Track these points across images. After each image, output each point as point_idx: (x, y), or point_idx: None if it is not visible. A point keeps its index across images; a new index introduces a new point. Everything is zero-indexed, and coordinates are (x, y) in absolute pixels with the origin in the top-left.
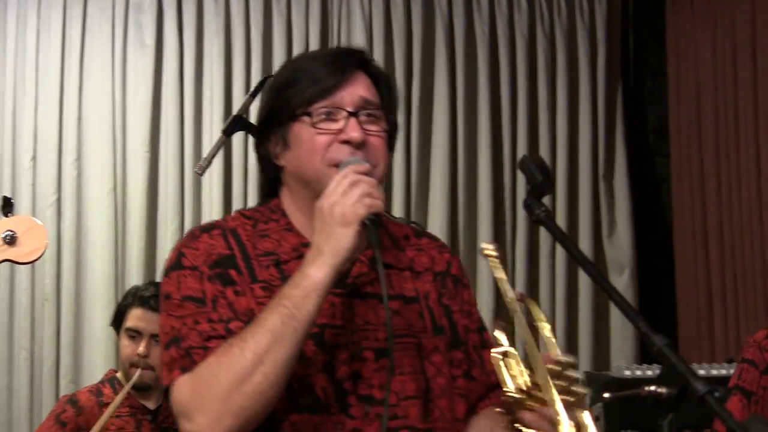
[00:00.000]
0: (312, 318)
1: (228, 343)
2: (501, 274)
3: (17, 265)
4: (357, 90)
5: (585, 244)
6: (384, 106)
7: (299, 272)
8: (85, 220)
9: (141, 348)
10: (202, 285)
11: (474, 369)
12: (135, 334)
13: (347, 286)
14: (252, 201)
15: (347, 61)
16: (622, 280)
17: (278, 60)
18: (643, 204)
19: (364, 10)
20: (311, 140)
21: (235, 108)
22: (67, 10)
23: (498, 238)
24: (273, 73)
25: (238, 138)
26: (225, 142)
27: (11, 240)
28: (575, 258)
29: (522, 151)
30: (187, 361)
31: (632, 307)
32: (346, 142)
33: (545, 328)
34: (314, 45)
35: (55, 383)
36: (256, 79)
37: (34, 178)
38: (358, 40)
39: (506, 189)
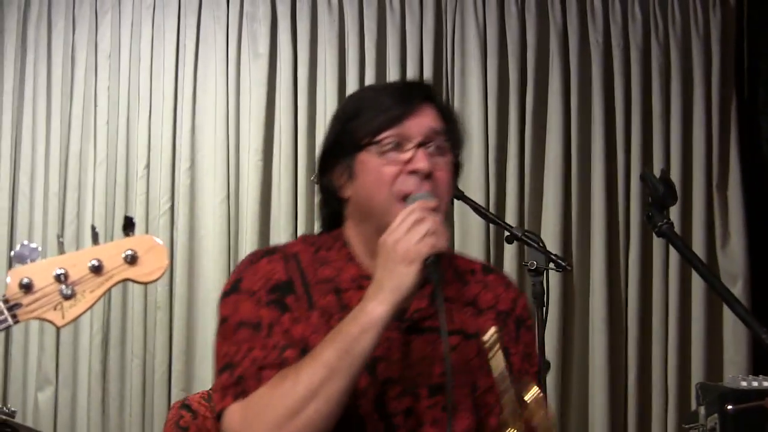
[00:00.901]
0: (368, 354)
1: (282, 375)
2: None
3: None
4: (425, 120)
5: (698, 255)
6: (450, 139)
7: (358, 307)
8: (198, 229)
9: None
10: (258, 310)
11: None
12: None
13: (404, 320)
14: None
15: (415, 93)
16: (735, 291)
17: (393, 69)
18: (756, 214)
19: (478, 19)
20: (378, 170)
21: None
22: (181, 19)
23: (611, 248)
24: (338, 107)
25: None
26: None
27: (132, 259)
28: (698, 270)
29: (636, 161)
30: (240, 389)
31: (755, 319)
32: (414, 172)
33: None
34: (428, 54)
35: (167, 391)
36: None
37: (147, 186)
38: (472, 50)
39: (620, 199)
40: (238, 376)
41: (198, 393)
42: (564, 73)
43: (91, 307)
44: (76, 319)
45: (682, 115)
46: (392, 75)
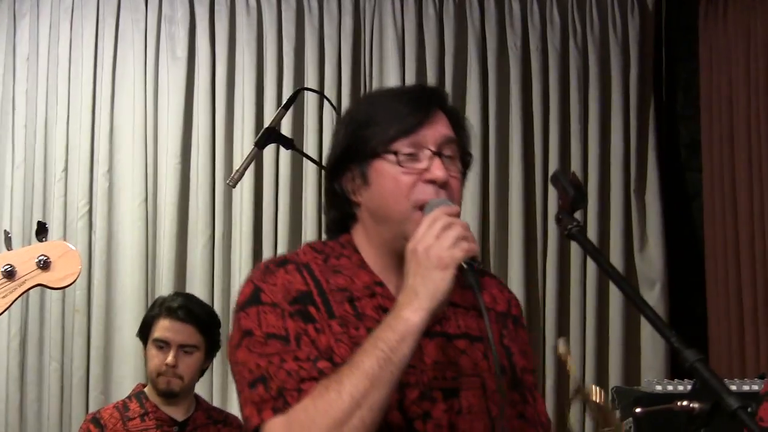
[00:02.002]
0: (407, 361)
1: (323, 386)
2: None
3: None
4: (439, 129)
5: (616, 259)
6: (460, 146)
7: (394, 315)
8: (116, 232)
9: (170, 358)
10: (284, 322)
11: (527, 410)
12: (163, 345)
13: None
14: (282, 213)
15: (428, 100)
16: (653, 295)
17: (311, 72)
18: (674, 219)
19: (396, 23)
20: (395, 178)
21: (267, 120)
22: (99, 22)
23: (529, 252)
24: (349, 108)
25: (269, 150)
26: (257, 155)
27: (45, 265)
28: (608, 273)
29: (553, 164)
30: (280, 403)
31: (665, 323)
32: (431, 181)
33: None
34: (346, 58)
35: (85, 394)
36: (288, 91)
37: (65, 189)
38: (390, 54)
39: (537, 202)
40: (277, 389)
41: (113, 403)
42: (482, 77)
43: (3, 312)
44: None
45: (600, 118)
46: (310, 78)
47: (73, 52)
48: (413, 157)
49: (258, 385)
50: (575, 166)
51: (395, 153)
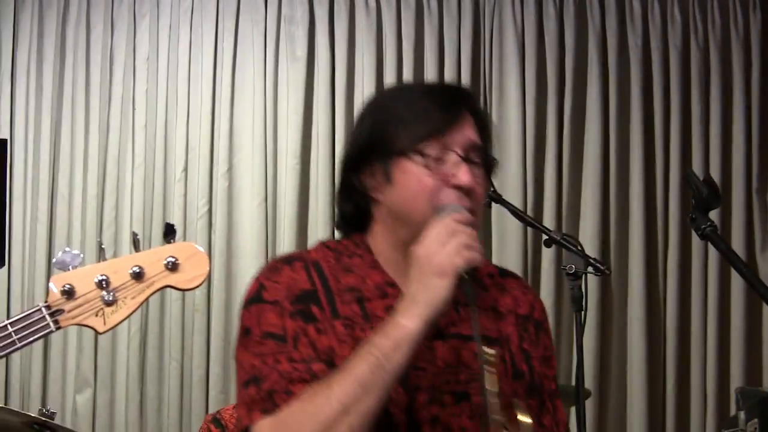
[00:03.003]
0: (401, 369)
1: (314, 390)
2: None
3: None
4: (467, 132)
5: None
6: (485, 152)
7: (391, 321)
8: (235, 232)
9: None
10: (283, 321)
11: (545, 417)
12: None
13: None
14: None
15: (457, 101)
16: None
17: (430, 72)
18: None
19: (516, 22)
20: (421, 181)
21: None
22: (219, 22)
23: (649, 252)
24: (374, 101)
25: None
26: None
27: (173, 266)
28: (741, 273)
29: (675, 164)
30: (269, 404)
31: None
32: (456, 187)
33: None
34: (466, 56)
35: (204, 394)
36: None
37: (185, 190)
38: (510, 53)
39: (658, 202)
40: (267, 391)
41: (231, 405)
42: (602, 75)
43: (132, 313)
44: (117, 326)
45: (722, 117)
46: (430, 77)
47: (192, 53)
48: (440, 159)
49: (250, 385)
50: (696, 165)
51: (422, 154)
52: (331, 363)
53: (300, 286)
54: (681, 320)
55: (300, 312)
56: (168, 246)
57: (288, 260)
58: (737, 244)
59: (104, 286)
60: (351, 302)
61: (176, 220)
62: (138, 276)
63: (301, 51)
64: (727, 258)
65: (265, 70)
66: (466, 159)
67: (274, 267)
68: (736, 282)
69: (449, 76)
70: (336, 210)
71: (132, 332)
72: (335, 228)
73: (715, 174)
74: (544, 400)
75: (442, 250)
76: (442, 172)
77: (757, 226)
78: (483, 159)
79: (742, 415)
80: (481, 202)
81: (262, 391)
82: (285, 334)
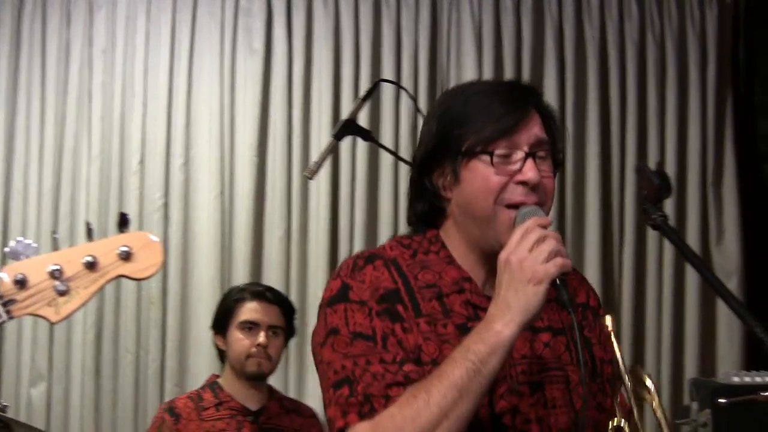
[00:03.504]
0: (496, 374)
1: (411, 394)
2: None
3: None
4: (533, 130)
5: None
6: (553, 146)
7: (486, 326)
8: (191, 224)
9: (262, 338)
10: (371, 321)
11: (606, 400)
12: (252, 326)
13: None
14: (359, 205)
15: (524, 100)
16: (729, 287)
17: (387, 65)
18: (751, 211)
19: (474, 15)
20: (487, 179)
21: (343, 113)
22: (176, 13)
23: (605, 244)
24: (441, 101)
25: (346, 142)
26: (334, 147)
27: (127, 256)
28: (693, 263)
29: (630, 156)
30: (367, 408)
31: (750, 313)
32: (522, 183)
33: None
34: (423, 49)
35: (159, 386)
36: (365, 83)
37: (141, 182)
38: (468, 45)
39: (614, 195)
40: (363, 394)
41: (187, 393)
42: (559, 69)
43: (85, 303)
44: (70, 315)
45: (678, 111)
46: (387, 71)
47: (149, 44)
48: (506, 157)
49: (343, 386)
50: (652, 158)
51: (490, 154)
52: (418, 361)
53: (384, 285)
54: (636, 312)
55: (386, 311)
56: (121, 235)
57: (369, 259)
58: (692, 237)
59: (57, 275)
60: (431, 299)
61: (132, 213)
62: (91, 266)
63: (258, 43)
64: (679, 248)
65: (222, 62)
66: (531, 155)
67: (356, 266)
68: (691, 273)
69: (406, 69)
70: (408, 207)
71: (87, 325)
72: (407, 224)
73: (671, 167)
74: (604, 384)
75: (533, 257)
76: (508, 169)
77: (712, 219)
78: (551, 153)
79: (694, 405)
80: (550, 194)
81: (357, 393)
82: (374, 335)
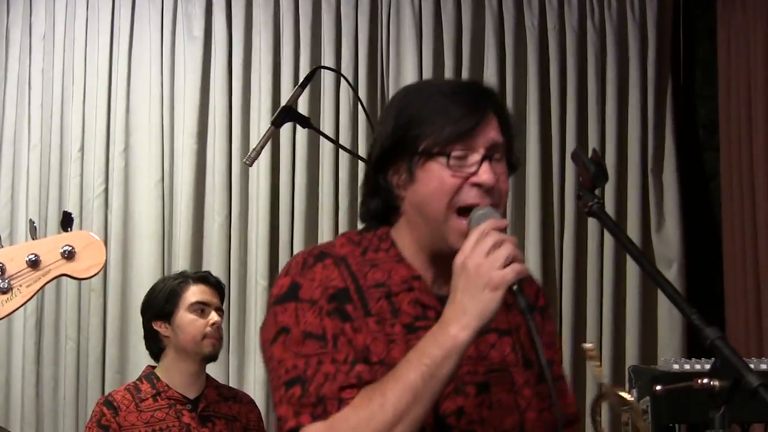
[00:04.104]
0: (450, 378)
1: (366, 396)
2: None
3: None
4: (490, 133)
5: (633, 238)
6: (509, 149)
7: (442, 330)
8: (132, 211)
9: (215, 317)
10: (321, 321)
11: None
12: (203, 307)
13: None
14: (299, 192)
15: (483, 102)
16: (670, 274)
17: (327, 51)
18: (691, 198)
19: (413, 2)
20: (443, 180)
21: (284, 100)
22: (116, 0)
23: (545, 231)
24: (399, 99)
25: (285, 129)
26: (273, 134)
27: (70, 255)
28: (628, 250)
29: (571, 144)
30: (320, 409)
31: (685, 300)
32: (477, 185)
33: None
34: (363, 37)
35: (101, 374)
36: (304, 70)
37: (81, 169)
38: (407, 32)
39: (555, 182)
40: (317, 395)
41: (123, 386)
42: (499, 56)
43: (27, 301)
44: (11, 314)
45: (618, 98)
46: (327, 59)
47: (89, 30)
48: (462, 159)
49: (295, 385)
50: (593, 145)
51: (446, 155)
52: (367, 361)
53: (334, 284)
54: (576, 298)
55: (336, 310)
56: (65, 234)
57: (319, 257)
58: (633, 224)
59: None
60: (380, 298)
61: (72, 200)
62: (34, 264)
63: (199, 30)
64: (614, 235)
65: (161, 49)
66: (487, 158)
67: (306, 263)
68: (631, 262)
69: (346, 56)
70: (360, 203)
71: (28, 312)
72: (360, 220)
73: (611, 154)
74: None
75: (489, 262)
76: (464, 171)
77: (652, 206)
78: (506, 156)
79: (634, 392)
80: (504, 198)
81: (310, 393)
82: (324, 334)
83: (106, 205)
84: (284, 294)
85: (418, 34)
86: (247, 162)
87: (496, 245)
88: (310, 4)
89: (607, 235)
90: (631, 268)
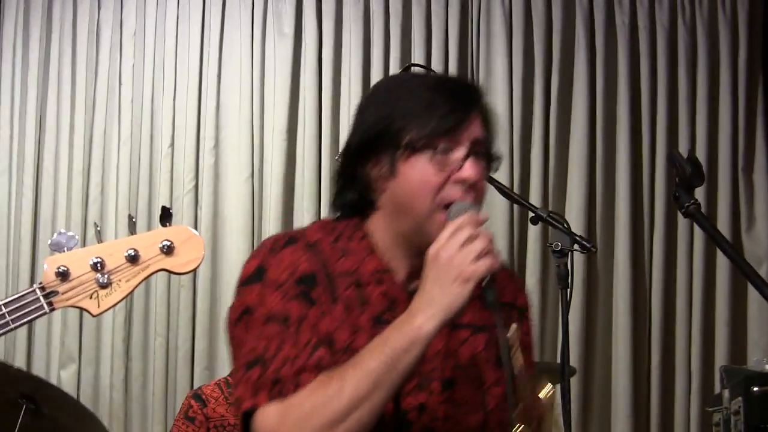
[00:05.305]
0: (411, 368)
1: (324, 380)
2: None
3: None
4: (474, 130)
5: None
6: (489, 147)
7: (407, 320)
8: (221, 208)
9: None
10: (286, 304)
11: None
12: None
13: None
14: None
15: (468, 99)
16: (760, 274)
17: (418, 50)
18: None
19: (504, 1)
20: (427, 176)
21: None
22: None
23: (635, 232)
24: (380, 90)
25: None
26: None
27: (168, 250)
28: (724, 250)
29: (661, 143)
30: (276, 391)
31: None
32: (461, 181)
33: None
34: (453, 35)
35: (189, 370)
36: (394, 67)
37: (171, 165)
38: (498, 31)
39: (645, 181)
40: (274, 377)
41: (213, 381)
42: (590, 54)
43: (126, 296)
44: (111, 308)
45: (709, 96)
46: (417, 56)
47: (180, 28)
48: (446, 154)
49: (254, 367)
50: (683, 145)
51: (431, 150)
52: (331, 347)
53: (302, 268)
54: (666, 298)
55: (302, 294)
56: (163, 229)
57: (290, 240)
58: (723, 223)
59: (99, 268)
60: (349, 286)
61: (162, 196)
62: (133, 259)
63: (289, 27)
64: (711, 236)
65: (252, 46)
66: (471, 154)
67: (275, 246)
68: (721, 260)
69: (437, 54)
70: (335, 193)
71: (117, 308)
72: (331, 207)
73: (702, 153)
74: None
75: (461, 255)
76: (447, 167)
77: (743, 205)
78: (486, 152)
79: (726, 393)
80: (483, 194)
81: (268, 375)
82: (288, 317)
83: (196, 201)
84: (250, 275)
85: (508, 32)
86: (339, 159)
87: (471, 239)
88: (401, 3)
89: (696, 235)
90: (722, 267)
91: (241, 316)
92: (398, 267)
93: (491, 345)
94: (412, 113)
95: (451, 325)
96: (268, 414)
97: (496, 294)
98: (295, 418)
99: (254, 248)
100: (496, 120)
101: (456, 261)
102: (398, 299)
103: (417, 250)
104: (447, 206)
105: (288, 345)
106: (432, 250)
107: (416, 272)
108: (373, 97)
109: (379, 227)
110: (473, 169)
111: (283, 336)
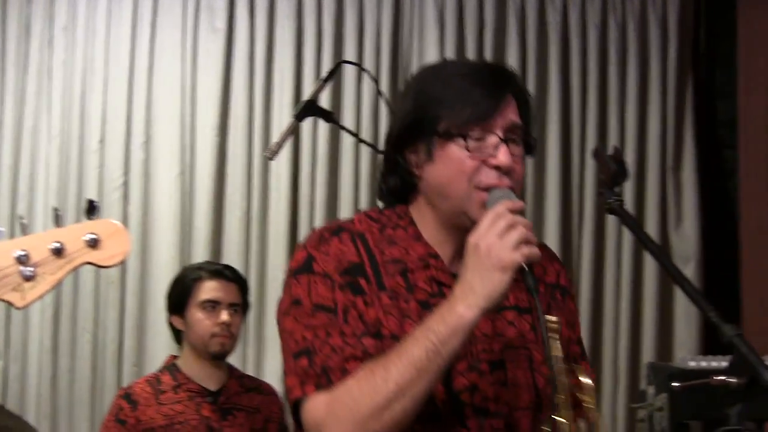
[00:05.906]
0: (454, 355)
1: (370, 369)
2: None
3: None
4: (509, 115)
5: (652, 236)
6: (526, 132)
7: (448, 307)
8: (151, 204)
9: (225, 317)
10: (333, 294)
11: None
12: (214, 305)
13: None
14: (319, 186)
15: (502, 85)
16: (687, 272)
17: (350, 45)
18: (710, 196)
19: None
20: (462, 162)
21: (305, 93)
22: None
23: (565, 229)
24: (419, 79)
25: (307, 123)
26: (295, 127)
27: (94, 243)
28: (647, 247)
29: (591, 140)
30: (324, 380)
31: (704, 298)
32: (496, 167)
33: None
34: (386, 31)
35: (117, 366)
36: (326, 64)
37: (101, 161)
38: (430, 28)
39: (574, 179)
40: (321, 366)
41: (144, 377)
42: (521, 52)
43: (51, 289)
44: (36, 301)
45: (639, 95)
46: (349, 51)
47: (111, 22)
48: (481, 141)
49: (302, 357)
50: (613, 142)
51: (465, 137)
52: (378, 335)
53: (348, 258)
54: (594, 296)
55: (349, 284)
56: (89, 222)
57: (335, 231)
58: (651, 222)
59: (23, 260)
60: (395, 274)
61: (92, 192)
62: (58, 252)
63: (221, 22)
64: (634, 232)
65: (183, 40)
66: (506, 140)
67: (322, 237)
68: (649, 259)
69: (369, 50)
70: (379, 178)
71: (45, 304)
72: (378, 198)
73: (631, 152)
74: (571, 364)
75: (501, 243)
76: (482, 152)
77: (671, 203)
78: (523, 138)
79: (651, 389)
80: (520, 179)
81: (316, 365)
82: (335, 307)
83: (125, 198)
84: (299, 267)
85: (440, 29)
86: (268, 155)
87: (510, 227)
88: None
89: (625, 233)
90: (649, 265)
91: (290, 307)
92: (443, 251)
93: (538, 325)
94: (447, 101)
95: (497, 308)
96: (316, 403)
97: (535, 281)
98: (342, 407)
99: (184, 245)
100: (532, 104)
101: (495, 250)
102: (445, 283)
103: (459, 231)
104: (484, 188)
105: (335, 335)
106: (471, 239)
107: (461, 253)
108: (410, 86)
109: (423, 213)
110: (507, 156)
111: (330, 326)
